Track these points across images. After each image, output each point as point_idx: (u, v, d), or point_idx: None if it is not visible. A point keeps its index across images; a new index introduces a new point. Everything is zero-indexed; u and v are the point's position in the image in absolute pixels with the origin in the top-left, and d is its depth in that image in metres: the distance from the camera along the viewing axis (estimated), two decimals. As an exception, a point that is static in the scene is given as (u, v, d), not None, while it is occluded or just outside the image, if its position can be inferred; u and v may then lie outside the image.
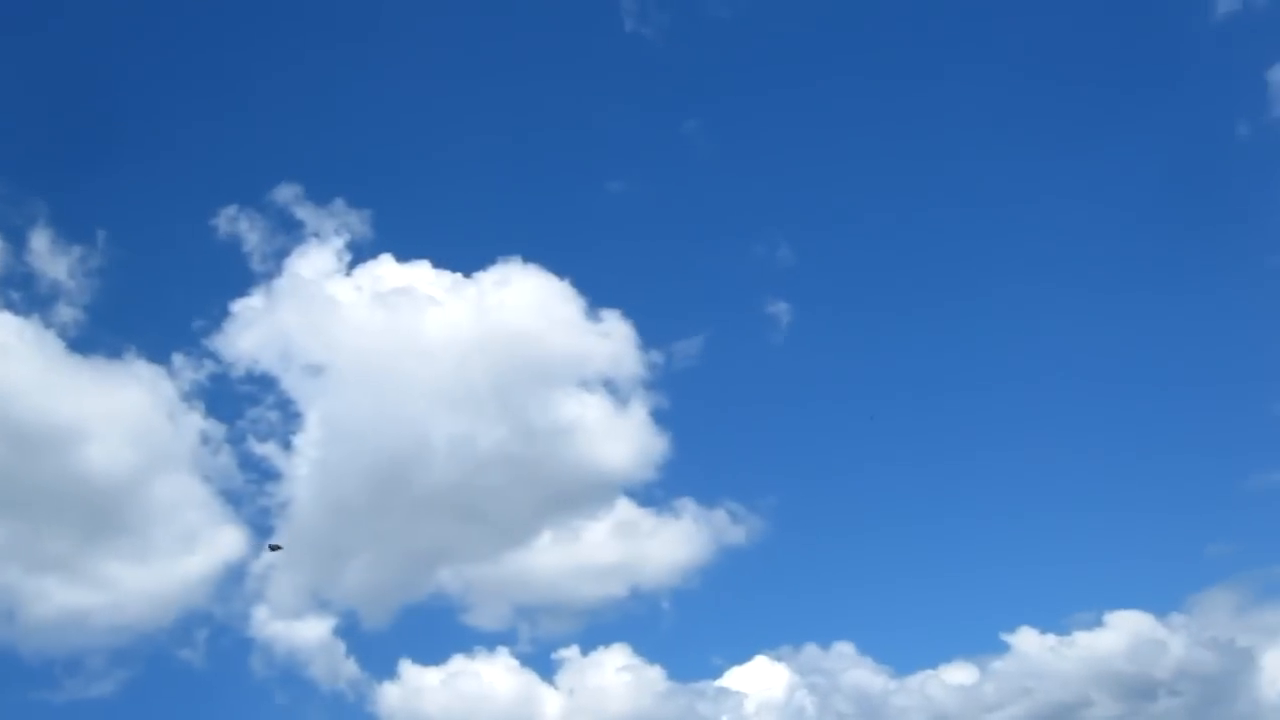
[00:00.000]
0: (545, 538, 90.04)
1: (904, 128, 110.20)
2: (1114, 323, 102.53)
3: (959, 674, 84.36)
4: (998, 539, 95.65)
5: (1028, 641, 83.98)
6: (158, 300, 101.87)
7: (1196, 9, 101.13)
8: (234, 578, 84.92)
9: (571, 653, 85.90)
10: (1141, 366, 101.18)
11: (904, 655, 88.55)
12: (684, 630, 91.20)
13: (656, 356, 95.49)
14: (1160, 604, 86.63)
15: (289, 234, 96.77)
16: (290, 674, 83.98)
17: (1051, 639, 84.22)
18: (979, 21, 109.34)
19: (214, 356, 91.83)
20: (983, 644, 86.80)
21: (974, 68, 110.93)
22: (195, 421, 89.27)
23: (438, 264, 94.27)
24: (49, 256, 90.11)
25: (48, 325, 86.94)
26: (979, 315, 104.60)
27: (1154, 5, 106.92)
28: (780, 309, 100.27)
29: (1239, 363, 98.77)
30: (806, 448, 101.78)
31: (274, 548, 79.26)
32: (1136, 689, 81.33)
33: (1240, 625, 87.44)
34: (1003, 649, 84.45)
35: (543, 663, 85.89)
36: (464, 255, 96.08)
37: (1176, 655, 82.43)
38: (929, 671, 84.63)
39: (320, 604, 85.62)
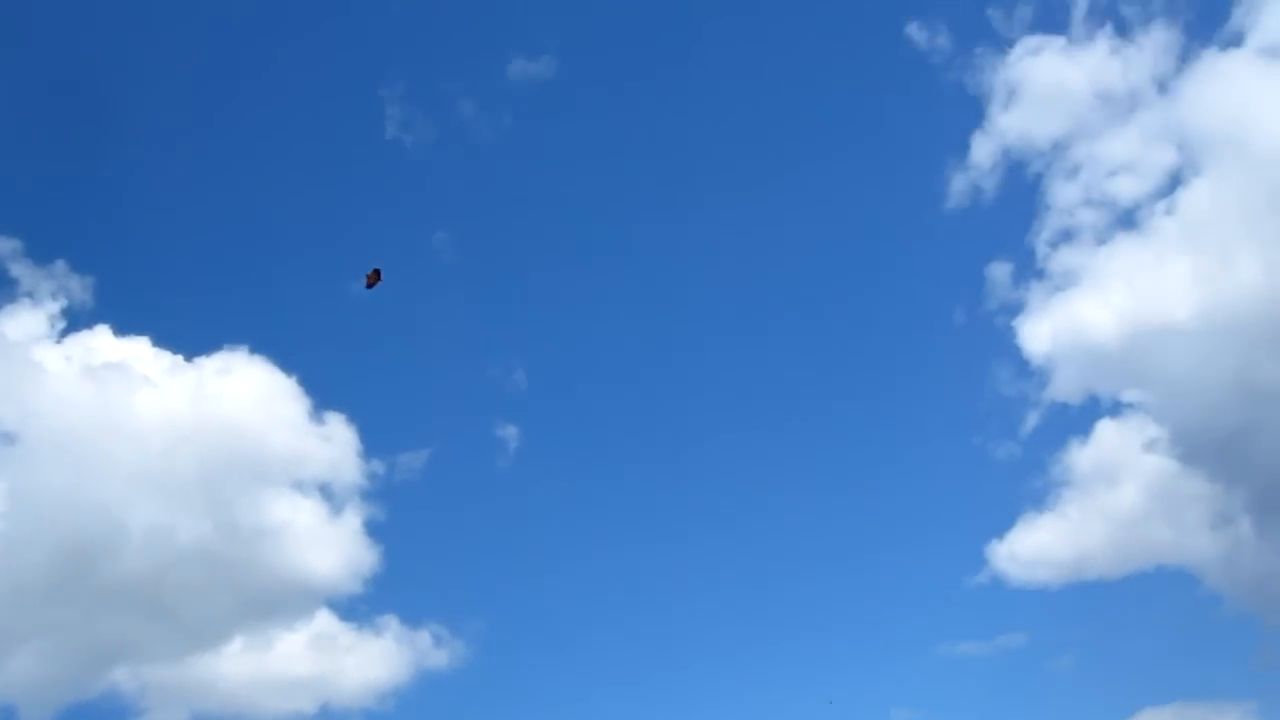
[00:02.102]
0: (236, 643, 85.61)
1: (648, 265, 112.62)
2: (821, 487, 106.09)
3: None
4: (690, 688, 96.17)
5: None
6: None
7: (930, 200, 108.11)
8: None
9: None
10: (844, 531, 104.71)
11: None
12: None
13: (378, 466, 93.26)
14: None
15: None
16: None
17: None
18: (714, 174, 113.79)
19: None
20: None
21: (703, 218, 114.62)
22: None
23: (158, 343, 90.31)
24: None
25: None
26: (695, 465, 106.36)
27: (891, 191, 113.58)
28: (509, 432, 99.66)
29: (936, 536, 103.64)
30: (519, 577, 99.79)
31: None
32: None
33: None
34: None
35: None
36: (188, 337, 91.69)
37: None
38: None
39: (-26, 695, 78.86)
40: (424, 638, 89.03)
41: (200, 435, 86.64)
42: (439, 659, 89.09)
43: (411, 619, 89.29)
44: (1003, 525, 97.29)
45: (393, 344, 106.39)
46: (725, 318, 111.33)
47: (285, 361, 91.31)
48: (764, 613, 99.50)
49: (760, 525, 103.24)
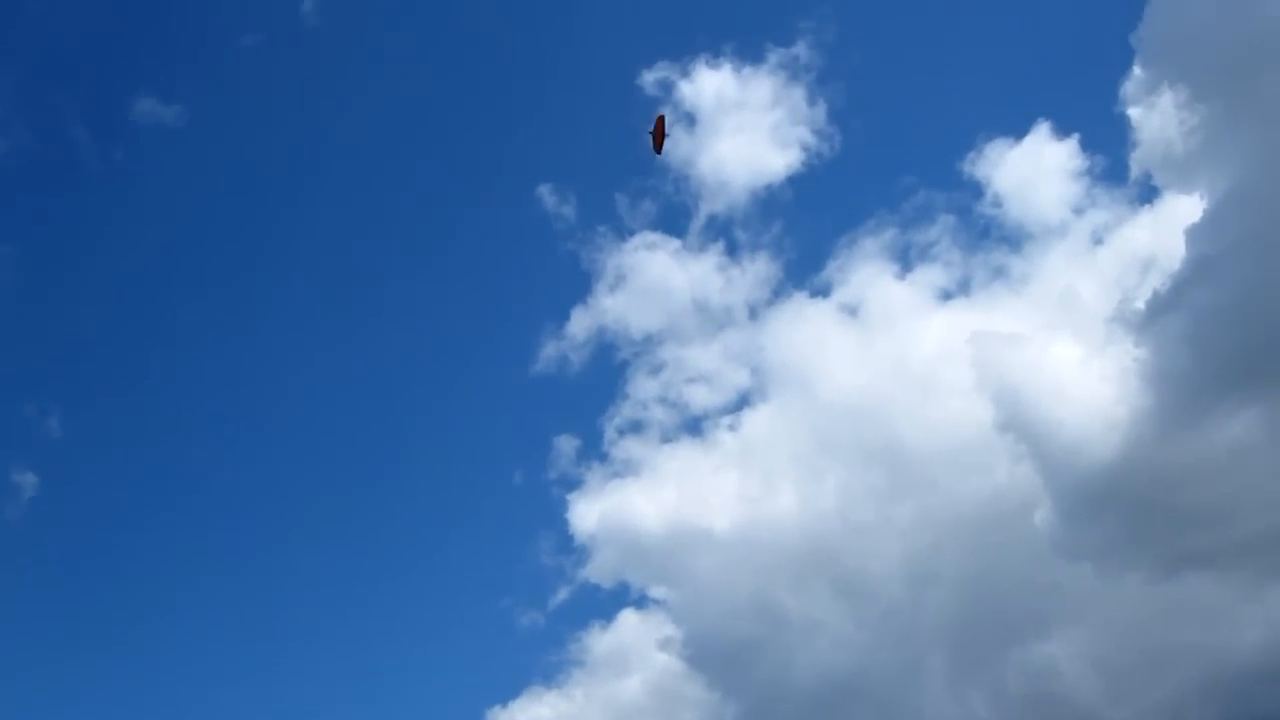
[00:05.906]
0: None
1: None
2: (339, 627, 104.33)
3: None
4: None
5: None
6: None
7: (520, 360, 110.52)
8: None
9: None
10: (346, 675, 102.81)
11: None
12: None
13: None
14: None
15: None
16: None
17: None
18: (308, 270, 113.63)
19: None
20: None
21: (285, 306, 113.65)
22: None
23: None
24: None
25: None
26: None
27: (486, 340, 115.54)
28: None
29: (441, 695, 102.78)
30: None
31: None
32: None
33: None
34: None
35: None
36: None
37: None
38: None
39: None
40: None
41: None
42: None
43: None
44: (508, 693, 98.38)
45: None
46: (290, 421, 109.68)
47: None
48: None
49: (255, 654, 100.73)
